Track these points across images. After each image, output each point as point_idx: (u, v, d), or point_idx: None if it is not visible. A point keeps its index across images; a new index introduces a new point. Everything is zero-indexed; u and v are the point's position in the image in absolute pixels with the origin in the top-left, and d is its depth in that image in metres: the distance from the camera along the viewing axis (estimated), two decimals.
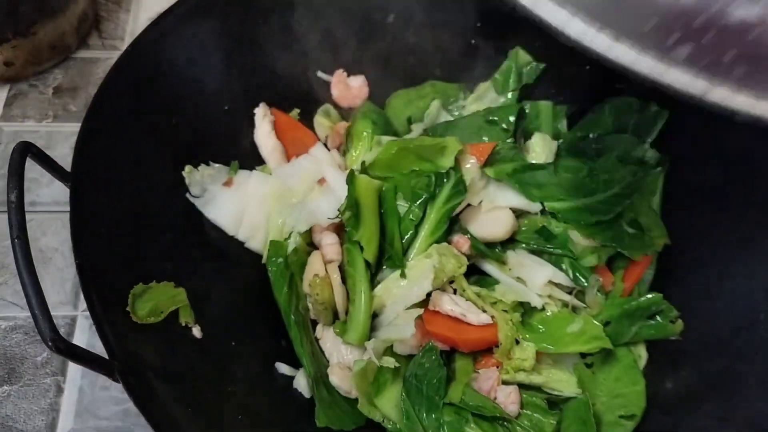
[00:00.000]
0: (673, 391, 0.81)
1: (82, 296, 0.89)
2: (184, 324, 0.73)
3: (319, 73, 1.02)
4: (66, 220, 0.93)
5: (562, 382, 0.80)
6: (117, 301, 0.68)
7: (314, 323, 0.84)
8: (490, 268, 0.86)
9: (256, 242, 0.87)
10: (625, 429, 0.76)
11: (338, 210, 0.83)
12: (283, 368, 0.79)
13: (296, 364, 0.80)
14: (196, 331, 0.74)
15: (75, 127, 1.02)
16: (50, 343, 0.56)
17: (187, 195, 0.86)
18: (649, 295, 0.81)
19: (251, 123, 0.94)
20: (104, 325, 0.63)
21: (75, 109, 1.04)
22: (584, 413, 0.74)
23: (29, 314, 0.84)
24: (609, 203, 0.88)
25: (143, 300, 0.70)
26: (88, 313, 0.85)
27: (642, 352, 0.84)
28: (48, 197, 0.95)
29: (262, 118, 0.94)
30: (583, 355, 0.83)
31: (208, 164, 0.89)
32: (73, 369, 0.82)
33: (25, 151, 0.67)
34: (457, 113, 1.03)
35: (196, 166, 0.87)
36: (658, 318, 0.82)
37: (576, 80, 1.02)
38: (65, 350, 0.57)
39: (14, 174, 0.63)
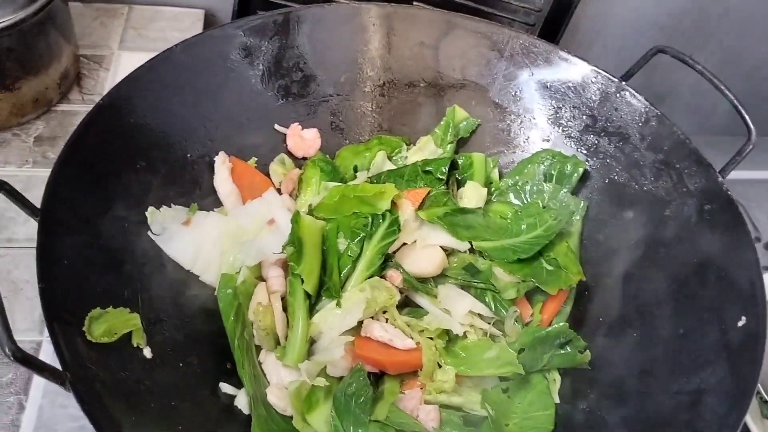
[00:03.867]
0: (582, 413, 0.89)
1: None
2: (135, 345, 0.81)
3: (277, 126, 1.13)
4: None
5: (479, 403, 0.88)
6: (74, 323, 0.76)
7: (259, 349, 0.92)
8: (421, 300, 0.95)
9: (210, 276, 0.95)
10: None
11: (282, 246, 0.92)
12: (226, 387, 0.86)
13: (239, 385, 0.87)
14: (147, 352, 0.82)
15: None
16: (8, 351, 0.64)
17: (149, 233, 0.94)
18: (558, 325, 0.90)
19: (212, 169, 1.04)
20: (59, 339, 0.71)
21: (53, 156, 1.14)
22: (492, 430, 0.82)
23: None
24: (531, 244, 0.98)
25: (99, 322, 0.78)
26: None
27: (556, 377, 0.92)
28: (23, 234, 1.04)
29: (221, 165, 1.04)
30: (502, 381, 0.92)
31: (169, 206, 0.98)
32: (35, 388, 0.89)
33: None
34: (400, 163, 1.13)
35: (158, 207, 0.96)
36: (568, 348, 0.91)
37: (507, 134, 1.15)
38: (21, 358, 0.65)
39: None
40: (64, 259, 0.79)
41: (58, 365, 0.69)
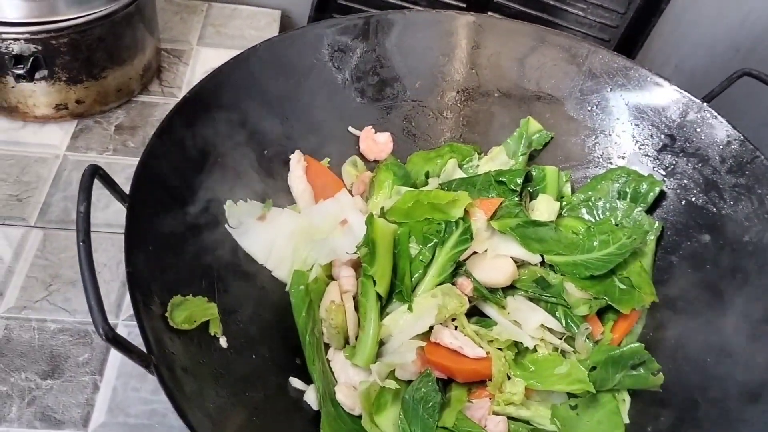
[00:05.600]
0: None
1: (123, 307, 0.99)
2: (212, 334, 0.82)
3: (350, 128, 1.14)
4: (115, 240, 1.06)
5: (548, 418, 0.87)
6: (157, 308, 0.78)
7: (327, 347, 0.93)
8: (490, 310, 0.95)
9: (282, 271, 0.97)
10: None
11: (356, 247, 0.93)
12: (296, 383, 0.87)
13: (308, 380, 0.88)
14: (223, 342, 0.83)
15: (131, 161, 1.15)
16: (101, 331, 0.66)
17: (226, 226, 0.96)
18: (633, 345, 0.88)
19: (287, 167, 1.06)
20: (145, 324, 0.73)
21: (133, 145, 1.17)
22: None
23: (75, 319, 0.96)
24: (603, 261, 0.97)
25: (180, 309, 0.80)
26: (127, 322, 0.97)
27: (626, 396, 0.90)
28: (102, 219, 1.07)
29: (297, 163, 1.05)
30: (571, 398, 0.91)
31: (246, 201, 1.00)
32: (110, 370, 0.91)
33: (94, 172, 0.78)
34: (471, 172, 1.13)
35: (235, 201, 0.98)
36: (640, 369, 0.89)
37: (581, 149, 1.14)
38: (113, 339, 0.66)
39: (84, 189, 0.75)
40: (149, 245, 0.81)
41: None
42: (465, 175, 1.12)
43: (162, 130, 0.89)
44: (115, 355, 0.93)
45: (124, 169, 1.13)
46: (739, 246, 0.96)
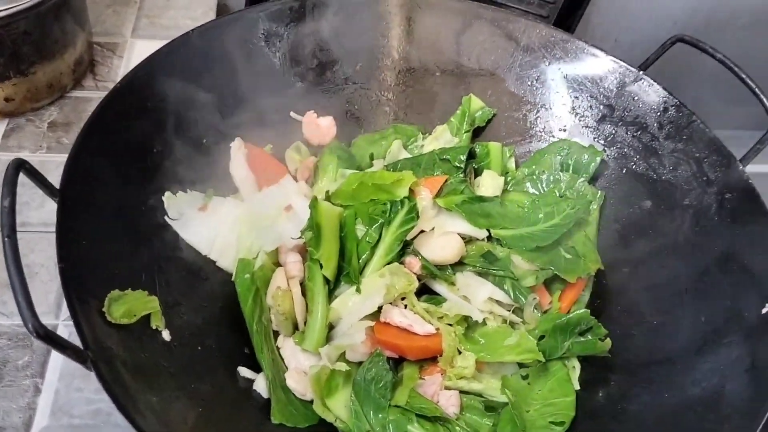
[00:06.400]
0: (603, 400, 0.88)
1: (63, 307, 0.96)
2: (154, 327, 0.80)
3: (292, 113, 1.12)
4: (52, 240, 1.02)
5: (500, 389, 0.87)
6: (94, 304, 0.75)
7: (276, 334, 0.91)
8: (439, 287, 0.95)
9: (227, 261, 0.94)
10: None
11: (300, 231, 0.92)
12: (244, 372, 0.85)
13: (257, 369, 0.86)
14: (166, 335, 0.81)
15: (66, 158, 1.11)
16: (30, 327, 0.63)
17: (166, 218, 0.93)
18: (578, 312, 0.89)
19: (227, 155, 1.03)
20: (80, 318, 0.70)
21: (67, 141, 1.13)
22: (513, 415, 0.82)
23: (13, 323, 0.93)
24: (549, 232, 0.97)
25: (118, 304, 0.77)
26: (67, 322, 0.94)
27: (576, 364, 0.91)
28: (37, 219, 1.03)
29: (237, 150, 1.03)
30: (522, 368, 0.91)
31: (185, 191, 0.97)
32: (51, 372, 0.88)
33: (19, 166, 0.75)
34: (416, 152, 1.12)
35: (174, 192, 0.96)
36: (588, 335, 0.90)
37: (523, 124, 1.14)
38: (44, 335, 0.64)
39: (8, 184, 0.71)
40: (82, 240, 0.79)
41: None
42: (410, 156, 1.11)
43: (93, 121, 0.86)
44: (56, 358, 0.89)
45: (58, 166, 1.06)
46: (680, 210, 0.98)
